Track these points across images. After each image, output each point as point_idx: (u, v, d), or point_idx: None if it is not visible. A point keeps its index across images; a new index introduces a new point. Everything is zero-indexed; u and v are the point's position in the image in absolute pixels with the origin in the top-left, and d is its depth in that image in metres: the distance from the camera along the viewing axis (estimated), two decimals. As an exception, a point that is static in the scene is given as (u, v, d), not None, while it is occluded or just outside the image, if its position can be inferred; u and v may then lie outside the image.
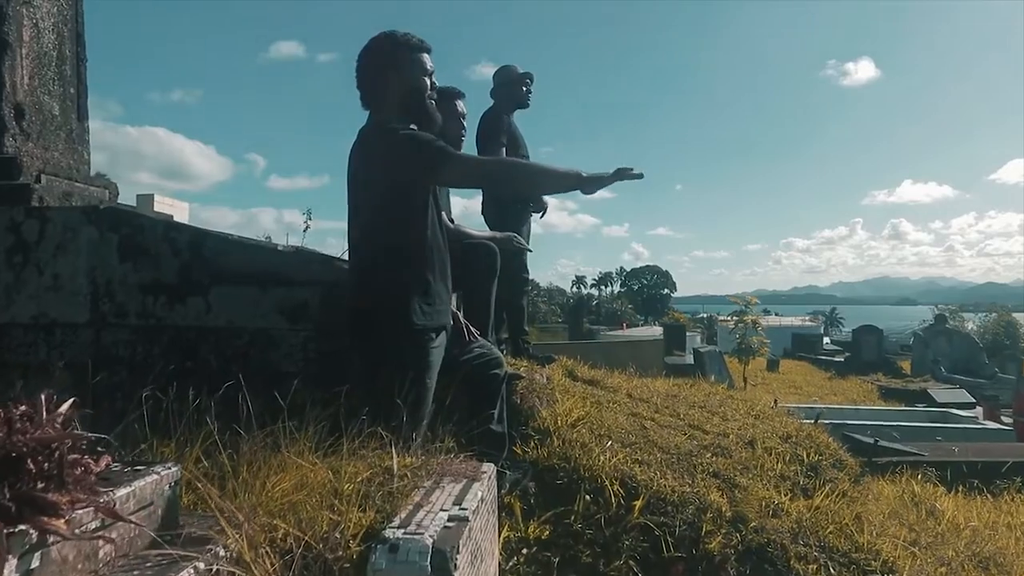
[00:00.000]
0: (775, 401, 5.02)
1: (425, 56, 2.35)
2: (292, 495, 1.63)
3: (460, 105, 3.22)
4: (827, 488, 3.10)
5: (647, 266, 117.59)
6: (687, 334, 22.61)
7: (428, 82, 2.35)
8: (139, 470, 1.36)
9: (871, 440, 6.03)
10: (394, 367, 2.14)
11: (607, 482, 2.64)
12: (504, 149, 4.00)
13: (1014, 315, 24.37)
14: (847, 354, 19.22)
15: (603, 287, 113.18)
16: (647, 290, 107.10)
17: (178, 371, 2.77)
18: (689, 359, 14.81)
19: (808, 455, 3.32)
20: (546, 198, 4.36)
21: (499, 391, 2.59)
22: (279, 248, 2.80)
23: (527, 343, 3.89)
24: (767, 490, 2.89)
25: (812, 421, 4.73)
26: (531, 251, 4.22)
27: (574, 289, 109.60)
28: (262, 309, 2.75)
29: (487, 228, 4.09)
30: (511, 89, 4.17)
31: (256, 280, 2.76)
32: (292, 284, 2.74)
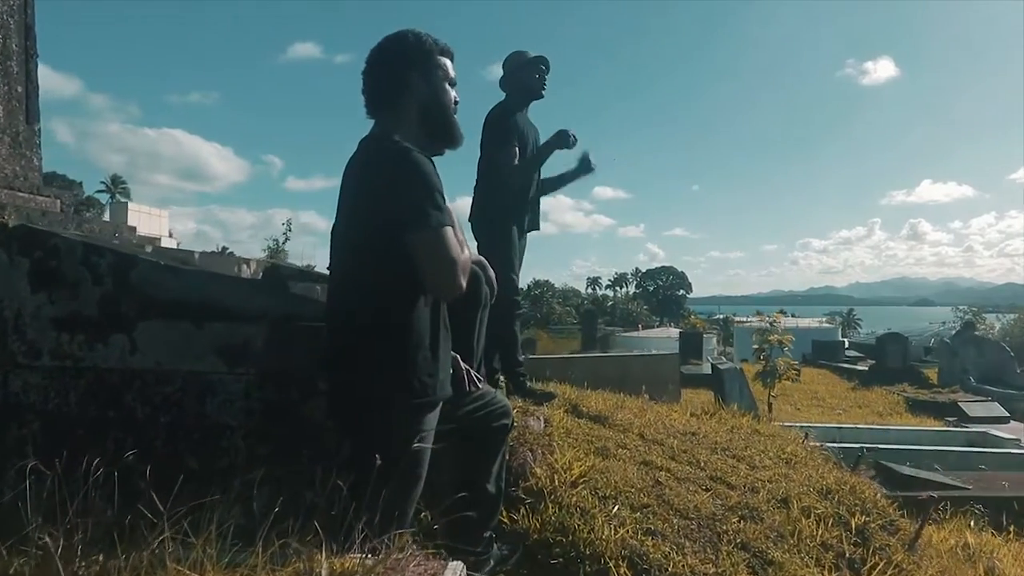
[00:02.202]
0: (806, 435, 4.51)
1: (450, 63, 1.92)
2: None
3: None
4: (877, 559, 2.59)
5: (663, 267, 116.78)
6: (703, 335, 22.01)
7: (452, 93, 1.91)
8: None
9: (908, 472, 5.48)
10: (384, 451, 1.68)
11: (612, 563, 2.16)
12: (516, 149, 3.51)
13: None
14: (871, 361, 18.50)
15: (618, 288, 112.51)
16: (663, 291, 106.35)
17: (99, 422, 2.33)
18: (706, 368, 14.26)
19: (853, 516, 2.80)
20: (544, 210, 3.86)
21: (503, 445, 2.19)
22: (221, 275, 2.34)
23: (523, 376, 3.40)
24: (807, 567, 2.39)
25: (852, 466, 4.20)
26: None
27: (589, 290, 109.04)
28: (196, 349, 2.29)
29: (476, 240, 3.61)
30: (522, 76, 3.63)
31: (190, 313, 2.30)
32: (233, 319, 2.28)
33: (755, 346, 6.68)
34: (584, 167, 3.66)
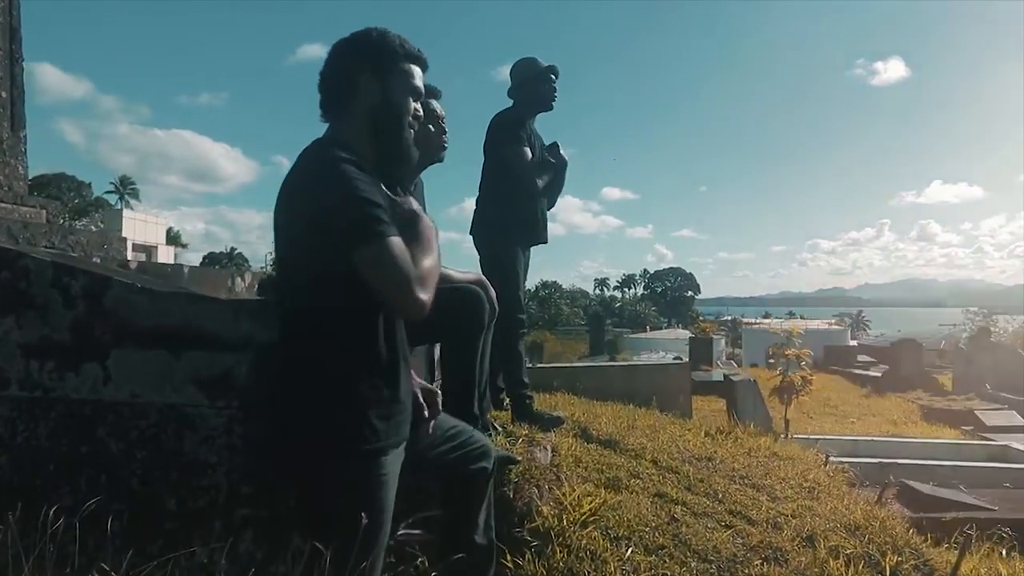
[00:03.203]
0: (827, 457, 4.31)
1: (416, 71, 1.67)
2: None
3: (437, 106, 2.56)
4: (912, 606, 2.38)
5: (670, 268, 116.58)
6: (713, 340, 21.75)
7: (412, 105, 1.65)
8: None
9: (931, 491, 5.25)
10: (335, 504, 1.49)
11: (625, 616, 1.96)
12: (527, 149, 3.30)
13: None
14: (883, 366, 18.22)
15: (626, 289, 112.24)
16: (671, 292, 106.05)
17: (70, 458, 2.15)
18: (717, 374, 14.02)
19: (885, 556, 2.59)
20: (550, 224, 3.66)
21: (485, 490, 1.92)
22: (201, 297, 2.16)
23: (529, 398, 3.20)
24: (838, 618, 2.19)
25: (879, 495, 3.98)
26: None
27: (597, 291, 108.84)
28: (174, 379, 2.11)
29: (477, 252, 3.42)
30: (533, 87, 3.41)
31: (168, 340, 2.12)
32: (214, 346, 2.10)
33: (771, 360, 6.45)
34: (559, 159, 3.49)
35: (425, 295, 1.46)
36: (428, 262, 1.50)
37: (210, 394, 2.09)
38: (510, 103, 3.47)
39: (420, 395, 1.76)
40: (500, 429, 2.87)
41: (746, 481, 3.21)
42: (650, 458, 3.25)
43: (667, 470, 3.14)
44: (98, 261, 2.81)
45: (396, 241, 1.43)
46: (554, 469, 2.69)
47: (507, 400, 3.31)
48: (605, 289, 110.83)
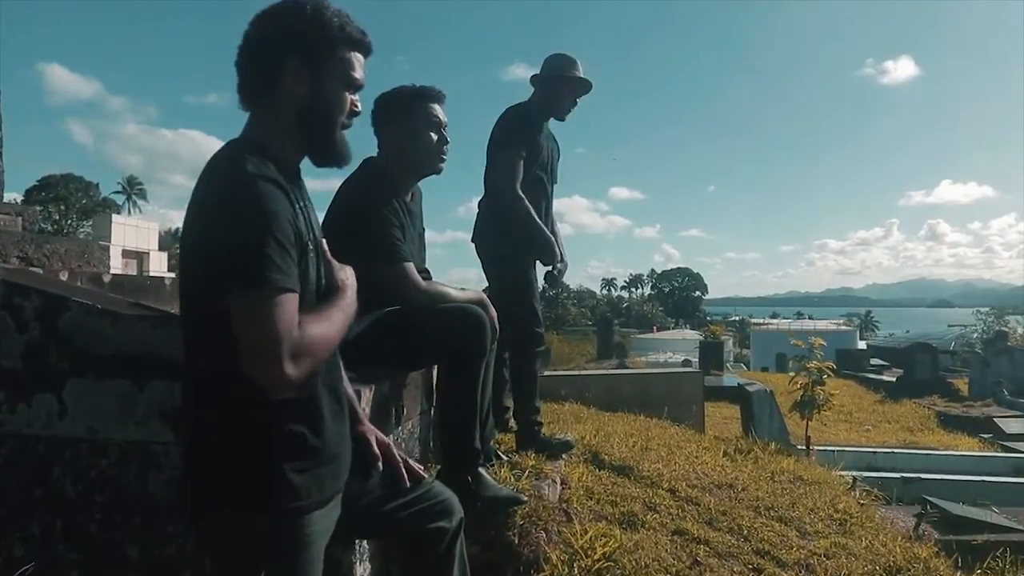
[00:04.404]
0: (854, 479, 4.06)
1: (358, 57, 1.35)
2: None
3: (438, 111, 2.30)
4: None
5: (678, 268, 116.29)
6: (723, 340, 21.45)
7: (348, 100, 1.33)
8: None
9: (960, 512, 4.98)
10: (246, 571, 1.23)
11: None
12: (521, 159, 3.00)
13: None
14: (896, 370, 17.88)
15: (633, 289, 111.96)
16: (678, 292, 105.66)
17: (22, 501, 1.92)
18: (728, 379, 13.76)
19: (931, 606, 2.34)
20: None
21: (449, 554, 1.56)
22: (168, 319, 1.92)
23: (539, 425, 2.95)
24: None
25: (915, 527, 3.72)
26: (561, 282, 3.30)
27: (604, 291, 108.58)
28: (137, 413, 1.88)
29: (481, 264, 3.15)
30: (553, 91, 3.07)
31: (132, 369, 1.89)
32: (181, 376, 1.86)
33: (791, 373, 6.18)
34: (551, 283, 3.24)
35: (294, 370, 1.12)
36: (316, 330, 1.18)
37: (177, 430, 1.85)
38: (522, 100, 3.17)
39: (372, 441, 1.52)
40: (505, 459, 2.63)
41: (772, 513, 2.95)
42: (667, 486, 3.00)
43: (686, 501, 2.89)
44: (66, 275, 2.58)
45: (286, 298, 1.12)
46: (563, 505, 2.45)
47: (513, 422, 3.06)
48: (612, 289, 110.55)
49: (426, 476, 1.61)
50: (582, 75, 3.12)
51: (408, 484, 1.53)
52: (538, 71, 3.16)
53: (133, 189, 61.80)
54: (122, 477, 1.89)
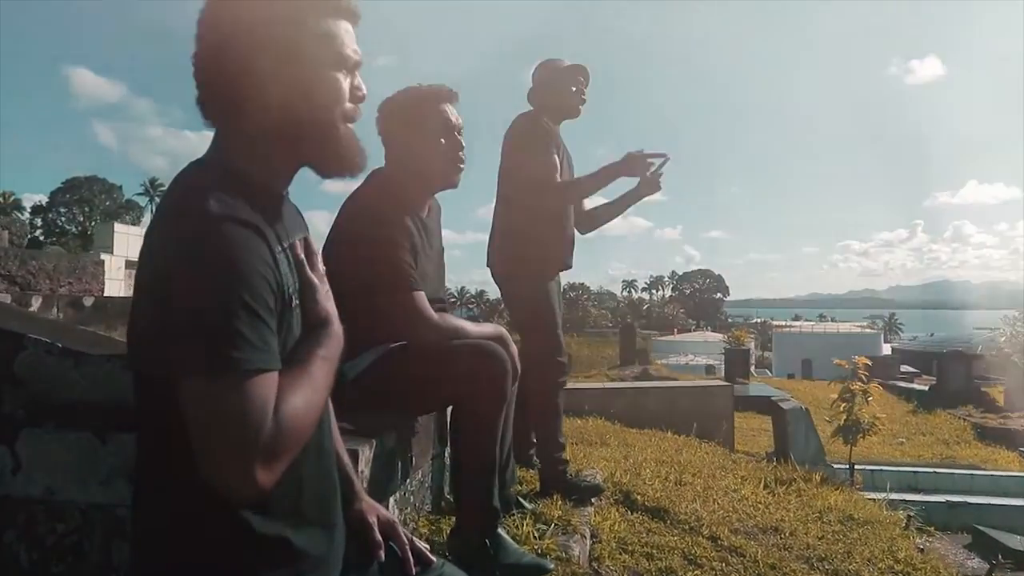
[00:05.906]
0: (908, 518, 3.72)
1: (348, 29, 1.01)
2: None
3: (450, 112, 2.01)
4: None
5: (699, 269, 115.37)
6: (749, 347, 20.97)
7: (346, 87, 1.00)
8: None
9: (1018, 547, 4.61)
10: None
11: None
12: (556, 159, 2.73)
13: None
14: (927, 378, 17.34)
15: (654, 291, 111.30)
16: (699, 294, 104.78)
17: (-30, 569, 1.67)
18: (754, 387, 13.37)
19: None
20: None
21: None
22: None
23: (564, 463, 2.65)
24: None
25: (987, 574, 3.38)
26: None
27: (624, 293, 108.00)
28: (101, 471, 1.62)
29: (498, 288, 2.87)
30: (555, 88, 2.82)
31: (95, 419, 1.63)
32: (153, 429, 1.59)
33: (834, 396, 5.83)
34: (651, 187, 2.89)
35: (266, 475, 0.83)
36: (296, 405, 0.88)
37: (144, 493, 1.58)
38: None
39: (372, 524, 1.23)
40: (528, 507, 2.34)
41: (827, 566, 2.63)
42: (707, 532, 2.70)
43: (729, 551, 2.58)
44: (39, 301, 2.33)
45: (258, 382, 0.84)
46: (594, 564, 2.15)
47: (536, 459, 2.78)
48: (633, 291, 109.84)
49: (435, 560, 1.33)
50: (569, 63, 2.87)
51: (414, 572, 1.24)
52: (539, 77, 2.91)
53: (155, 191, 62.37)
54: (83, 545, 1.63)
